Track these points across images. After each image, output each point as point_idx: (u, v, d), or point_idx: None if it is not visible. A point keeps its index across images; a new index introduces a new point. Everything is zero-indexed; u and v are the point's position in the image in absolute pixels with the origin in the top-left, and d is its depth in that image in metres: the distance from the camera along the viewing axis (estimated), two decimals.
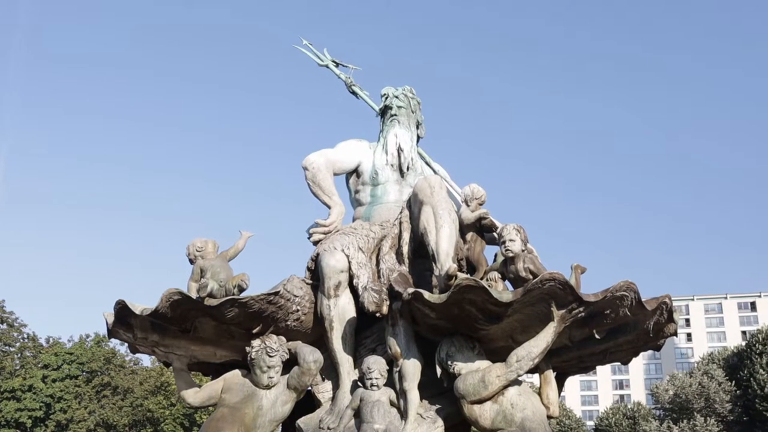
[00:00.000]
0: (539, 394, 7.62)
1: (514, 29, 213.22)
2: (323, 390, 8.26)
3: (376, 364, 7.60)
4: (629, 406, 66.10)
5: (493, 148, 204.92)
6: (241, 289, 7.52)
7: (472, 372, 7.20)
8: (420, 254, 8.28)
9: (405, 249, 8.32)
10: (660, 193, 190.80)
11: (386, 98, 9.87)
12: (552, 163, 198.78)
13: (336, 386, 8.11)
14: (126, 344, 8.32)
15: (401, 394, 7.56)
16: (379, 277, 8.07)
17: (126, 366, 47.47)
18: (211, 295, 7.37)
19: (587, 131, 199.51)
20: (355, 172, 9.59)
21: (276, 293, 7.71)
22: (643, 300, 7.37)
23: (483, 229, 8.51)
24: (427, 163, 9.93)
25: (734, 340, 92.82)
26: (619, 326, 7.73)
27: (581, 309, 7.04)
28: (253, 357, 7.63)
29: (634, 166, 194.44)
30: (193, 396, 7.86)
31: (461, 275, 7.03)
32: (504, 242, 7.66)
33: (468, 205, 8.56)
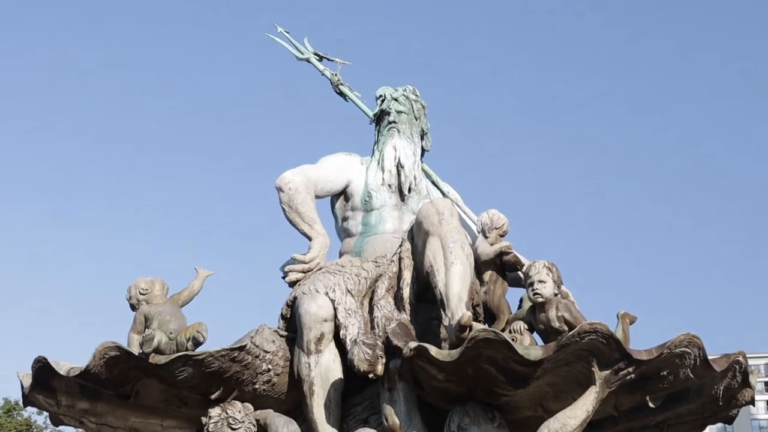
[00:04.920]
0: None
1: (530, 16, 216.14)
2: None
3: None
4: None
5: (517, 165, 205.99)
6: (197, 343, 7.50)
7: None
8: (425, 298, 8.32)
9: (406, 292, 8.34)
10: (726, 223, 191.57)
11: (383, 101, 9.95)
12: (598, 190, 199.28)
13: None
14: (46, 413, 8.29)
15: None
16: (372, 327, 8.09)
17: None
18: (158, 351, 7.35)
19: (639, 153, 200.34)
20: (343, 194, 9.64)
21: (241, 348, 7.69)
22: (709, 358, 7.39)
23: (505, 267, 8.55)
24: (434, 183, 10.00)
25: None
26: (679, 392, 7.75)
27: (631, 369, 7.06)
28: (211, 430, 7.61)
29: (690, 195, 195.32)
30: None
31: (477, 326, 7.06)
32: (532, 284, 7.69)
33: (486, 237, 8.60)
